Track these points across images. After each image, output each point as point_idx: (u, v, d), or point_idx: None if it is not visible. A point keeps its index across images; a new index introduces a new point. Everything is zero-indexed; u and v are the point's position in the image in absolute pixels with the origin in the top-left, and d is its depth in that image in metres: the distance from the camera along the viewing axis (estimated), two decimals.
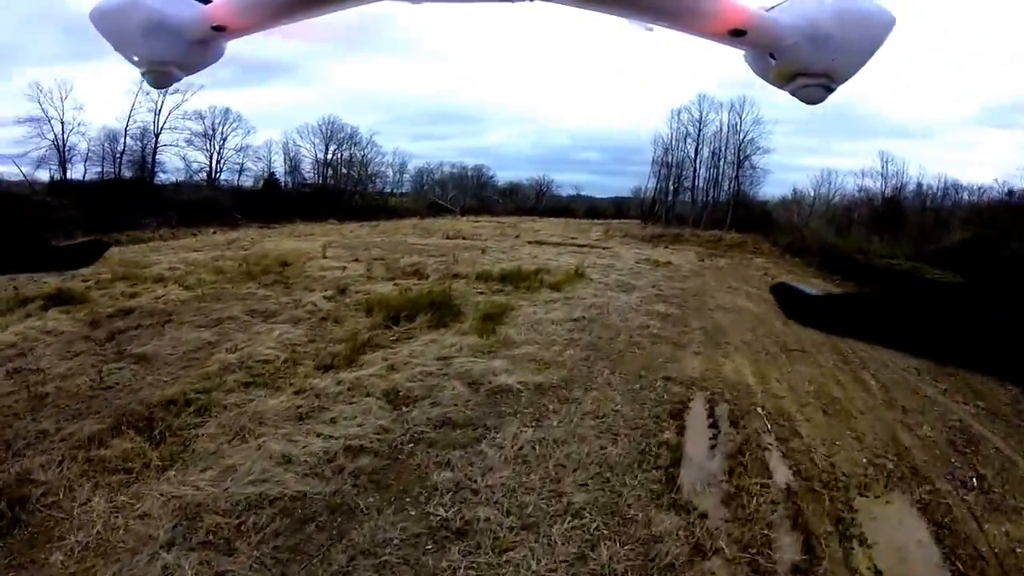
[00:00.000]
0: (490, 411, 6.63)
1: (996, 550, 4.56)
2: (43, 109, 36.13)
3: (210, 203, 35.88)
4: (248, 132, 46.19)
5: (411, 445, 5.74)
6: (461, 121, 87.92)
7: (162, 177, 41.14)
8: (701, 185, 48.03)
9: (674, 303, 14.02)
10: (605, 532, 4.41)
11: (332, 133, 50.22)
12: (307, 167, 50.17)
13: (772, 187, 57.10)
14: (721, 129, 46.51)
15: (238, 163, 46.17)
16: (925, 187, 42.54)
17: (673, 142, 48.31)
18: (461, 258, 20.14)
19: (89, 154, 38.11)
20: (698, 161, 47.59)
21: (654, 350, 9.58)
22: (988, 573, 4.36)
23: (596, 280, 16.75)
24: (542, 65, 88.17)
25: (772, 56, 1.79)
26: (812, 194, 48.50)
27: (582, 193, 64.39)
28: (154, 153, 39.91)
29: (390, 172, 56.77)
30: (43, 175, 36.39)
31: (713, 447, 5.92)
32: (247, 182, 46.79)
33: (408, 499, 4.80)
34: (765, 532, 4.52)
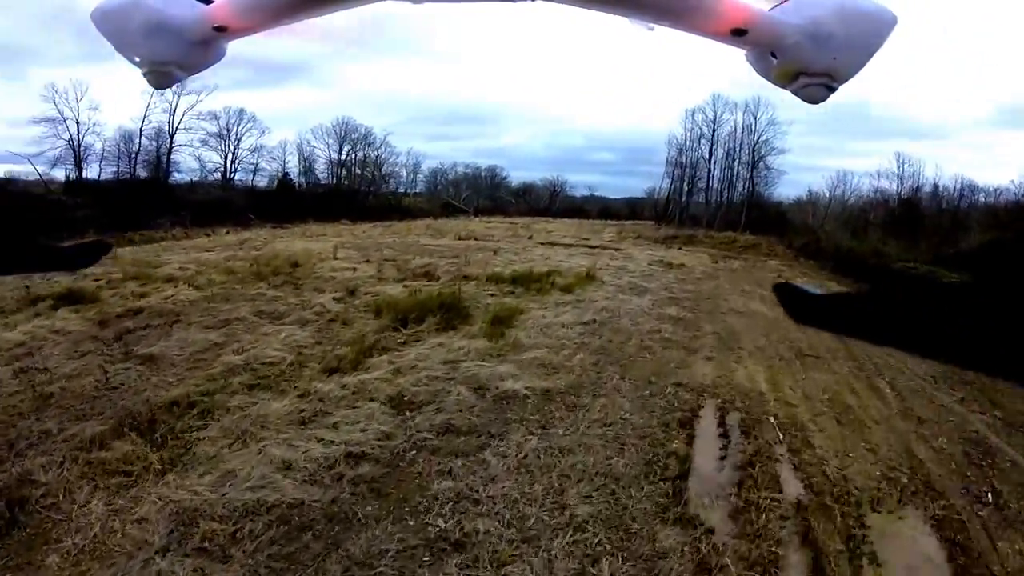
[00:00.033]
0: (495, 418, 6.50)
1: (1008, 569, 4.36)
2: (58, 109, 36.78)
3: (224, 203, 36.19)
4: (262, 133, 46.73)
5: (413, 452, 5.62)
6: (475, 122, 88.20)
7: (177, 177, 41.71)
8: (715, 186, 47.84)
9: (686, 306, 13.82)
10: (607, 547, 4.25)
11: (346, 134, 50.56)
12: (321, 167, 50.57)
13: (787, 188, 56.73)
14: (736, 129, 46.34)
15: (252, 163, 46.65)
16: (941, 188, 41.98)
17: (687, 142, 48.19)
18: (473, 259, 20.05)
19: (104, 154, 38.82)
20: (712, 162, 47.37)
21: (665, 355, 9.41)
22: None
23: (608, 282, 16.59)
24: (556, 66, 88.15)
25: (773, 55, 1.79)
26: (827, 195, 48.07)
27: (595, 194, 64.31)
28: (169, 153, 40.44)
29: (404, 172, 57.10)
30: (59, 174, 37.00)
31: (723, 458, 5.73)
32: (261, 182, 47.27)
33: (407, 509, 4.69)
34: (773, 549, 4.34)
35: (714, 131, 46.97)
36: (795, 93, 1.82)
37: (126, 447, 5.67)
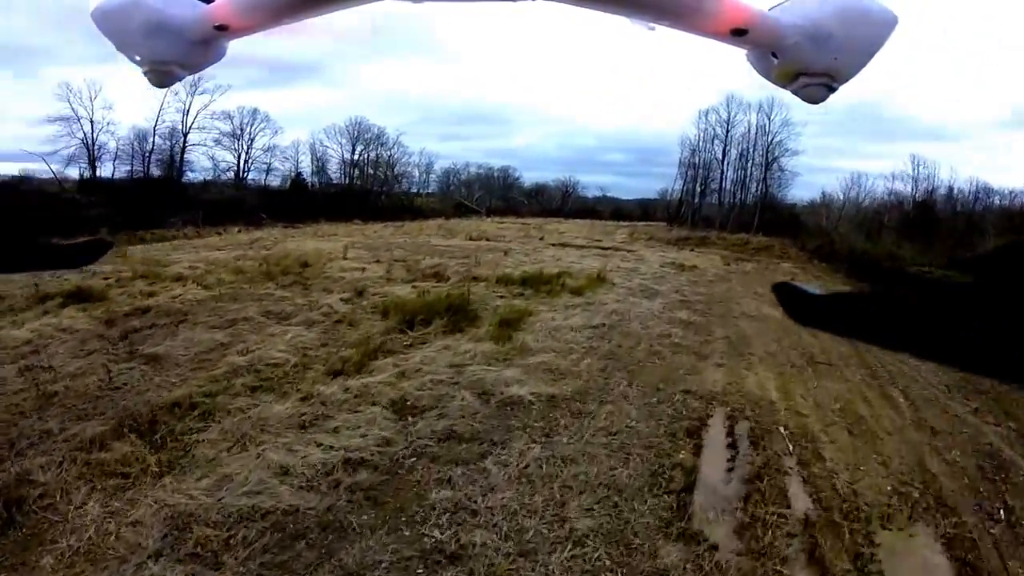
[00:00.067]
0: (498, 424, 6.38)
1: None
2: (72, 109, 37.08)
3: (236, 202, 36.41)
4: (276, 132, 46.87)
5: (413, 459, 5.51)
6: (488, 122, 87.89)
7: (190, 176, 41.99)
8: (728, 187, 47.27)
9: (698, 310, 13.62)
10: (607, 563, 4.12)
11: (359, 133, 50.59)
12: (334, 167, 50.65)
13: (800, 190, 56.07)
14: (749, 130, 45.70)
15: (265, 163, 46.81)
16: (956, 191, 41.39)
17: (700, 143, 47.62)
18: (483, 260, 19.91)
19: (118, 153, 39.13)
20: (725, 163, 46.82)
21: (674, 360, 9.24)
22: None
23: (619, 285, 16.39)
24: (570, 66, 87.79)
25: (774, 55, 1.76)
26: (841, 197, 47.42)
27: (608, 195, 63.77)
28: (182, 152, 40.74)
29: (416, 173, 57.00)
30: (73, 173, 37.38)
31: (730, 470, 5.56)
32: (274, 182, 47.45)
33: (403, 518, 4.58)
34: (778, 568, 4.18)
35: (727, 132, 46.47)
36: (795, 93, 1.79)
37: (125, 448, 5.63)
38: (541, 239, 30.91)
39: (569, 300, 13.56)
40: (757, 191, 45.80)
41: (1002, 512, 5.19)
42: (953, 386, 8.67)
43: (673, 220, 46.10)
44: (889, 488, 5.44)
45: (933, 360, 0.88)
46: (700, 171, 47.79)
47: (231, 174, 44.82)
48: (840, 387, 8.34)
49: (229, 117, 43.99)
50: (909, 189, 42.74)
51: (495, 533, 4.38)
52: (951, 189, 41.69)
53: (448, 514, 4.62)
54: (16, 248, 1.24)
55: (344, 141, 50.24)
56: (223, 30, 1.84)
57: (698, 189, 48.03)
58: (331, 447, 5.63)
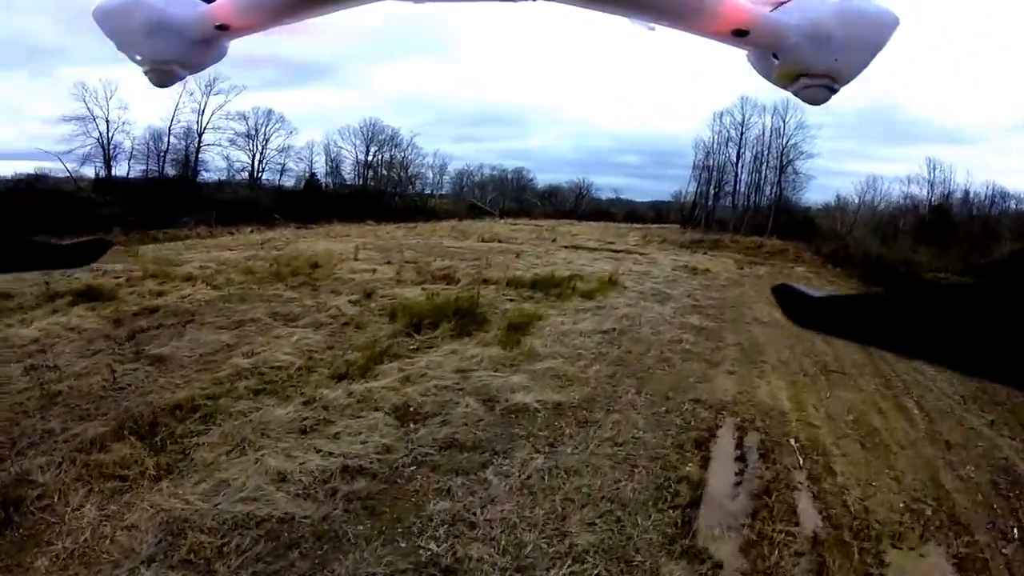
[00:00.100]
0: (502, 432, 6.24)
1: None
2: (88, 108, 37.54)
3: (250, 202, 36.65)
4: (290, 133, 47.27)
5: (412, 468, 5.40)
6: (502, 123, 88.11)
7: (205, 176, 42.34)
8: (742, 190, 47.08)
9: (710, 315, 13.41)
10: None
11: (373, 135, 50.81)
12: (348, 168, 50.87)
13: (815, 193, 55.67)
14: (764, 133, 45.57)
15: (280, 163, 47.10)
16: (972, 195, 40.82)
17: (715, 146, 47.49)
18: (494, 262, 19.80)
19: (133, 152, 39.58)
20: (740, 165, 46.64)
21: (685, 368, 9.07)
22: None
23: (630, 288, 16.20)
24: (583, 68, 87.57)
25: (775, 56, 1.76)
26: (856, 201, 46.90)
27: (621, 197, 63.48)
28: (197, 152, 41.16)
29: (430, 174, 57.12)
30: (89, 172, 37.78)
31: (738, 484, 5.39)
32: (289, 182, 47.74)
33: (400, 529, 4.47)
34: None
35: (742, 134, 46.26)
36: (796, 94, 1.78)
37: (125, 450, 5.59)
38: (553, 241, 30.76)
39: (579, 304, 13.41)
40: (771, 194, 45.57)
41: (1015, 531, 4.99)
42: (969, 397, 8.44)
43: (686, 223, 45.81)
44: (901, 505, 5.25)
45: (940, 365, 0.80)
46: (714, 173, 47.59)
47: (245, 174, 45.25)
48: (854, 397, 8.13)
49: (244, 118, 44.44)
50: (925, 193, 42.34)
51: (492, 547, 4.25)
52: (967, 193, 41.24)
53: (446, 526, 4.50)
54: (14, 248, 1.21)
55: (358, 142, 50.54)
56: (224, 30, 1.84)
57: (712, 192, 47.81)
58: (330, 453, 5.54)
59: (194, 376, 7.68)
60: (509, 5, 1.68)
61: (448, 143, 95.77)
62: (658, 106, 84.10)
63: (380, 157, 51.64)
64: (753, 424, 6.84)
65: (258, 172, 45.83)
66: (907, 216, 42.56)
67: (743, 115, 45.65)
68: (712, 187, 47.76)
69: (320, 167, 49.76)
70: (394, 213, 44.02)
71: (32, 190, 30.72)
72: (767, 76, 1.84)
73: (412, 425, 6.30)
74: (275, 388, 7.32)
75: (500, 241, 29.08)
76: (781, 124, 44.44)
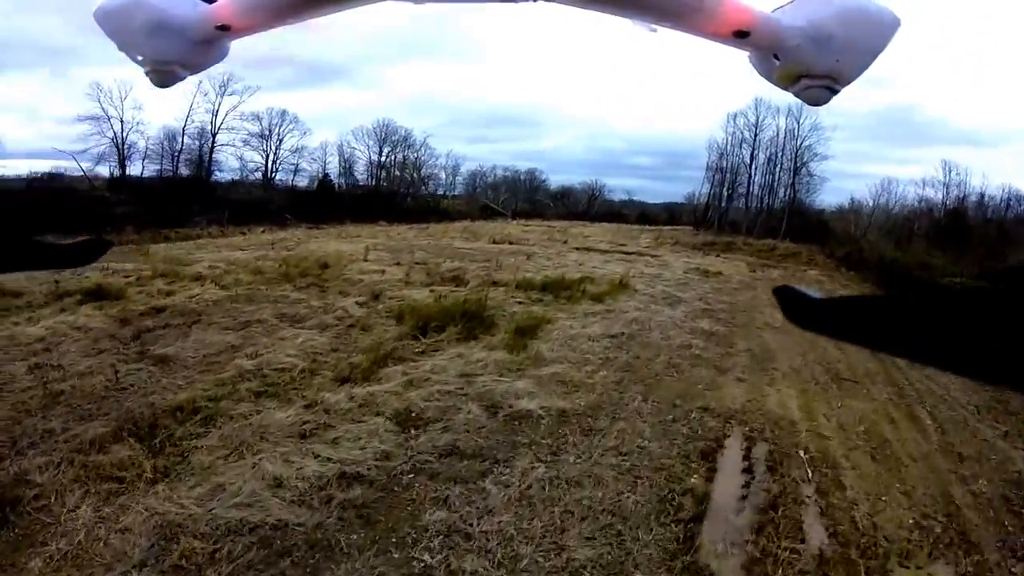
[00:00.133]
0: (504, 440, 6.12)
1: None
2: (103, 108, 37.89)
3: (263, 202, 36.85)
4: (304, 133, 47.42)
5: (411, 476, 5.29)
6: (515, 124, 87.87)
7: (218, 176, 42.62)
8: (756, 192, 46.64)
9: (721, 319, 13.21)
10: None
11: (386, 135, 50.86)
12: (361, 169, 50.96)
13: (829, 195, 54.98)
14: (778, 134, 45.09)
15: (293, 164, 47.27)
16: (987, 198, 40.12)
17: (728, 147, 47.10)
18: (505, 264, 19.71)
19: (148, 152, 39.87)
20: (753, 167, 46.20)
21: (693, 374, 8.90)
22: None
23: (641, 291, 16.02)
24: (597, 69, 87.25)
25: (776, 57, 1.76)
26: (871, 204, 46.29)
27: (634, 198, 63.10)
28: (211, 152, 41.45)
29: (443, 175, 57.09)
30: (104, 171, 38.15)
31: (744, 497, 5.22)
32: (302, 182, 47.89)
33: (394, 540, 4.37)
34: None
35: (756, 136, 45.81)
36: (797, 95, 1.78)
37: (123, 452, 5.56)
38: (565, 243, 30.61)
39: (589, 307, 13.26)
40: (785, 196, 45.12)
41: None
42: (983, 407, 8.23)
43: (699, 224, 45.43)
44: (911, 521, 5.07)
45: (943, 368, 0.79)
46: (728, 175, 47.20)
47: (259, 174, 45.45)
48: (865, 406, 7.93)
49: (258, 118, 44.66)
50: (940, 196, 41.69)
51: (487, 560, 4.14)
52: (982, 196, 40.55)
53: (441, 537, 4.39)
54: (15, 247, 1.19)
55: (371, 143, 50.59)
56: (225, 30, 1.85)
57: (725, 193, 47.40)
58: (328, 459, 5.46)
59: (197, 377, 7.65)
60: (510, 6, 1.67)
61: (461, 144, 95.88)
62: (671, 108, 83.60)
63: (393, 158, 51.73)
64: (762, 434, 6.67)
65: (271, 172, 46.11)
66: (922, 219, 41.97)
67: (757, 116, 45.27)
68: (725, 189, 47.40)
69: (333, 168, 49.96)
70: (406, 214, 44.04)
71: (47, 189, 31.05)
72: (768, 77, 1.83)
73: (413, 431, 6.20)
74: (277, 391, 7.26)
75: (511, 242, 28.97)
76: (795, 126, 44.02)
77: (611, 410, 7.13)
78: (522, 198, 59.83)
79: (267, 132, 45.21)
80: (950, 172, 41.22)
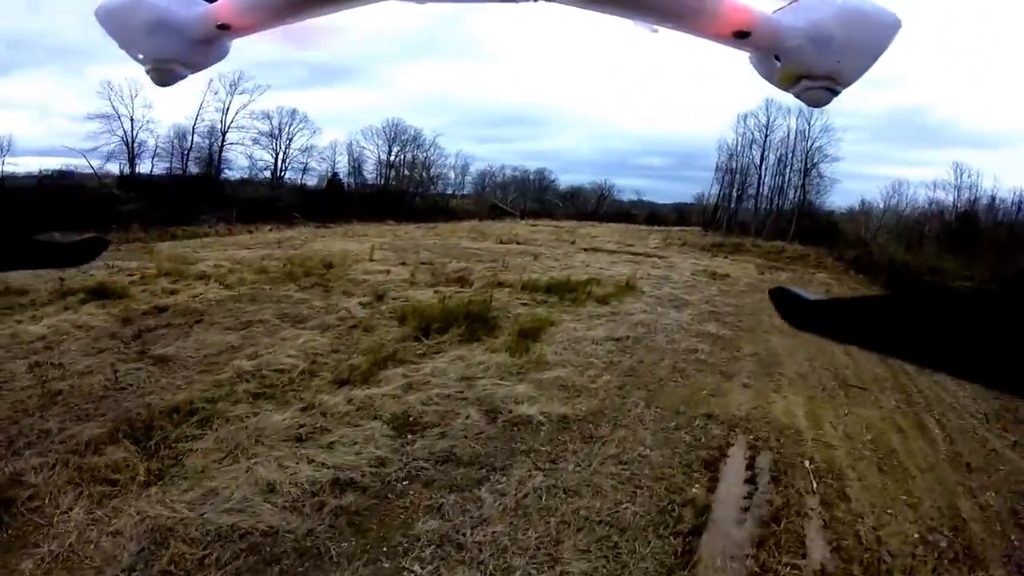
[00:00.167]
0: (502, 447, 6.01)
1: None
2: (113, 106, 37.96)
3: (271, 201, 36.84)
4: (314, 133, 47.18)
5: (405, 483, 5.19)
6: (525, 124, 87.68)
7: (228, 174, 42.68)
8: (765, 193, 46.09)
9: (727, 323, 13.06)
10: None
11: (396, 135, 50.75)
12: (370, 168, 50.90)
13: (839, 197, 54.21)
14: (788, 135, 44.47)
15: (302, 163, 47.24)
16: (998, 201, 39.55)
17: (738, 148, 46.56)
18: (511, 264, 19.61)
19: (157, 150, 39.88)
20: (763, 168, 45.67)
21: (698, 380, 8.77)
22: None
23: (648, 293, 15.90)
24: (607, 69, 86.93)
25: (777, 58, 1.76)
26: (881, 206, 45.77)
27: (643, 198, 62.81)
28: (220, 151, 41.41)
29: (452, 174, 56.97)
30: (114, 169, 38.31)
31: (746, 509, 5.09)
32: (311, 181, 47.88)
33: (385, 549, 4.28)
34: None
35: (766, 136, 45.32)
36: (798, 96, 1.79)
37: (118, 454, 5.51)
38: (573, 243, 30.49)
39: (594, 309, 13.14)
40: (795, 197, 44.58)
41: None
42: (992, 415, 8.08)
43: (708, 225, 45.09)
44: (916, 536, 4.93)
45: (940, 370, 0.77)
46: (737, 176, 46.77)
47: (268, 173, 45.48)
48: (873, 414, 7.77)
49: (268, 117, 44.55)
50: (951, 198, 41.17)
51: (479, 571, 4.04)
52: (993, 199, 40.00)
53: (433, 547, 4.29)
54: (12, 246, 1.15)
55: (381, 142, 50.50)
56: (225, 29, 1.87)
57: (735, 194, 46.96)
58: (323, 464, 5.37)
59: (196, 378, 7.60)
60: (511, 6, 1.69)
61: (471, 144, 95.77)
62: (681, 108, 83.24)
63: (402, 157, 51.64)
64: (767, 443, 6.54)
65: (280, 171, 46.10)
66: (932, 222, 41.41)
67: (768, 117, 44.75)
68: (735, 190, 46.97)
69: (342, 167, 49.90)
70: (415, 213, 43.93)
71: (58, 186, 31.22)
72: (768, 78, 1.84)
73: (409, 436, 6.11)
74: (275, 392, 7.20)
75: (519, 242, 28.86)
76: (806, 127, 43.50)
77: (613, 416, 7.02)
78: (531, 198, 59.66)
79: (277, 131, 45.19)
80: (961, 174, 40.71)
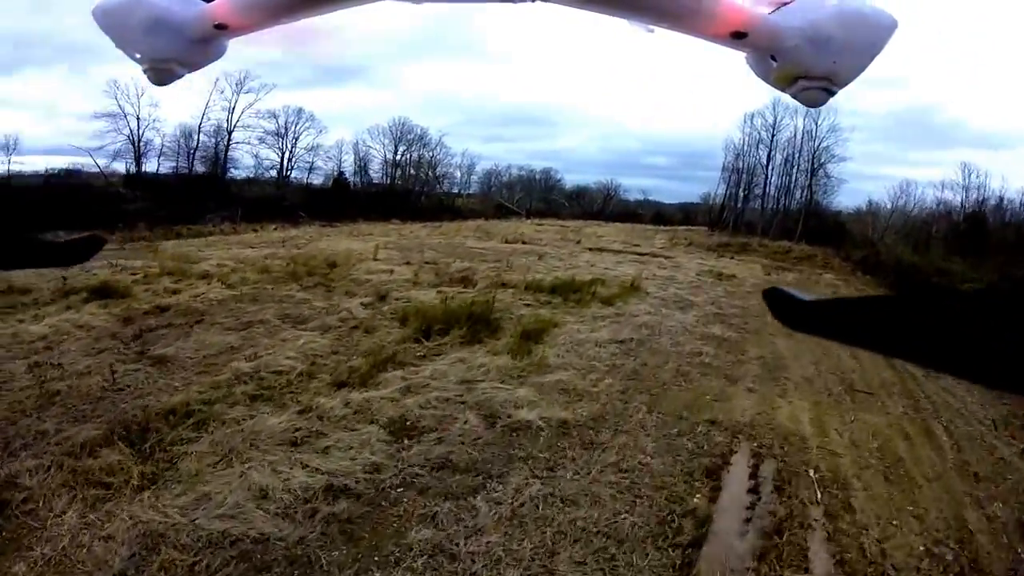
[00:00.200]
0: (500, 453, 5.91)
1: None
2: (119, 105, 38.14)
3: (277, 200, 36.92)
4: (320, 132, 47.35)
5: (400, 490, 5.11)
6: (531, 124, 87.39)
7: (234, 173, 42.80)
8: (772, 192, 45.94)
9: (733, 324, 12.90)
10: None
11: (402, 134, 50.76)
12: (376, 167, 50.92)
13: (847, 197, 53.74)
14: (795, 135, 44.36)
15: (308, 162, 47.32)
16: (1006, 202, 39.15)
17: (745, 147, 46.49)
18: (515, 264, 19.48)
19: (163, 149, 40.12)
20: (770, 168, 45.53)
21: (702, 384, 8.64)
22: None
23: (652, 294, 15.72)
24: (613, 68, 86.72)
25: (773, 58, 1.75)
26: (889, 206, 45.39)
27: (650, 198, 62.54)
28: (226, 150, 41.60)
29: (458, 173, 56.90)
30: (121, 168, 38.48)
31: (748, 520, 4.98)
32: (317, 180, 47.94)
33: (376, 558, 4.19)
34: None
35: (773, 136, 45.13)
36: (794, 96, 1.79)
37: (113, 457, 5.47)
38: (578, 243, 30.29)
39: (598, 310, 13.01)
40: (802, 197, 44.37)
41: None
42: (1000, 421, 7.94)
43: (714, 225, 44.85)
44: (922, 548, 4.80)
45: (939, 369, 0.78)
46: (744, 176, 46.61)
47: (274, 172, 45.56)
48: (880, 421, 7.63)
49: (274, 116, 44.65)
50: (959, 199, 40.81)
51: None
52: (1001, 200, 39.61)
53: (425, 557, 4.20)
54: (10, 245, 1.18)
55: (387, 141, 50.50)
56: (222, 28, 1.88)
57: (741, 194, 46.77)
58: (317, 470, 5.30)
59: (194, 379, 7.55)
60: (509, 6, 1.70)
61: (477, 143, 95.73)
62: (688, 107, 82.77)
63: (408, 156, 51.63)
64: (771, 450, 6.41)
65: (286, 170, 46.18)
66: (940, 223, 41.08)
67: (775, 117, 44.50)
68: (741, 189, 46.79)
69: (349, 166, 49.94)
70: (421, 212, 43.90)
71: (64, 185, 31.36)
72: (765, 78, 1.84)
73: (406, 441, 6.02)
74: (272, 394, 7.13)
75: (524, 242, 28.71)
76: (813, 126, 43.29)
77: (614, 422, 6.91)
78: (537, 197, 59.52)
79: (283, 130, 45.29)
80: (969, 175, 40.39)
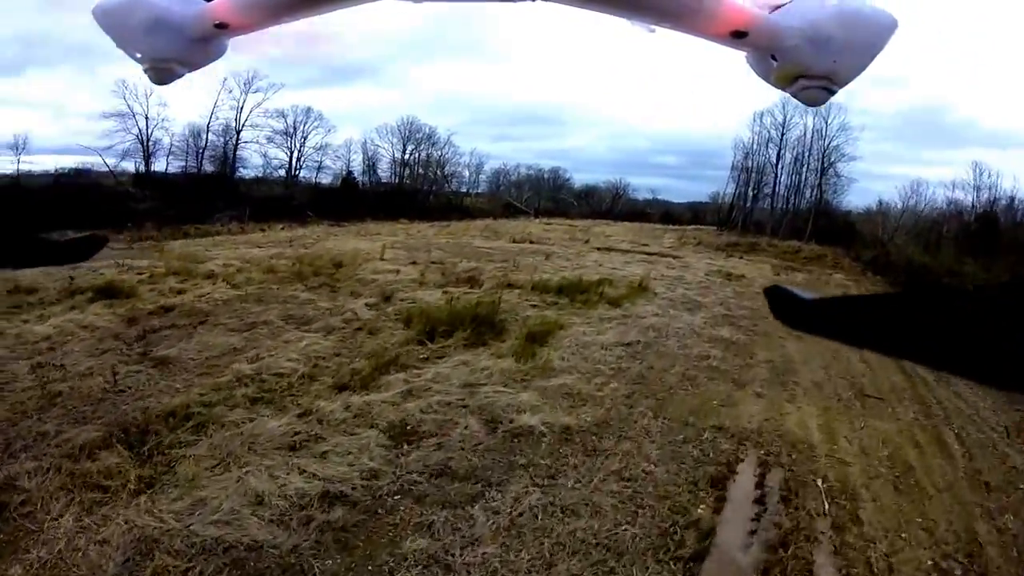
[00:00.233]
0: (500, 460, 5.81)
1: None
2: (128, 105, 38.25)
3: (285, 199, 36.95)
4: (328, 131, 47.26)
5: (397, 497, 5.02)
6: (540, 123, 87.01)
7: (242, 173, 42.88)
8: (782, 192, 45.42)
9: (742, 326, 12.71)
10: None
11: (410, 133, 50.66)
12: (384, 167, 50.88)
13: (857, 196, 53.19)
14: (805, 134, 43.77)
15: (317, 161, 47.30)
16: (1018, 201, 38.53)
17: (754, 146, 45.97)
18: (522, 264, 19.36)
19: (172, 148, 40.18)
20: (779, 167, 44.99)
21: (709, 388, 8.50)
22: None
23: (660, 295, 15.57)
24: (622, 67, 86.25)
25: (773, 58, 1.77)
26: (899, 206, 44.76)
27: (658, 197, 62.09)
28: (235, 149, 41.64)
29: (466, 173, 56.78)
30: (130, 167, 38.67)
31: (753, 532, 4.85)
32: (325, 180, 47.93)
33: (370, 568, 4.12)
34: None
35: (783, 135, 44.58)
36: (795, 96, 1.81)
37: (111, 460, 5.46)
38: (586, 242, 30.15)
39: (605, 312, 12.88)
40: (811, 197, 43.86)
41: None
42: (1013, 428, 7.76)
43: (723, 224, 44.47)
44: (930, 562, 4.66)
45: (938, 368, 0.80)
46: (753, 175, 46.13)
47: (283, 172, 45.62)
48: (890, 427, 7.47)
49: (283, 115, 44.62)
50: (970, 199, 40.20)
51: None
52: (1012, 199, 38.99)
53: (420, 567, 4.12)
54: (13, 244, 1.21)
55: (395, 140, 50.42)
56: (223, 28, 1.87)
57: (751, 193, 46.31)
58: (314, 475, 5.23)
59: (195, 381, 7.52)
60: (509, 5, 1.67)
61: (485, 142, 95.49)
62: (697, 106, 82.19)
63: (417, 156, 51.53)
64: (778, 459, 6.28)
65: (295, 169, 46.22)
66: (951, 222, 40.44)
67: (784, 115, 43.97)
68: (751, 189, 46.33)
69: (357, 165, 49.92)
70: (429, 212, 43.81)
71: (73, 185, 31.54)
72: (765, 77, 1.83)
73: (405, 447, 5.93)
74: (273, 397, 7.08)
75: (532, 242, 28.60)
76: (823, 125, 42.73)
77: (618, 427, 6.80)
78: (545, 197, 59.29)
79: (291, 129, 45.26)
80: (981, 174, 39.71)
